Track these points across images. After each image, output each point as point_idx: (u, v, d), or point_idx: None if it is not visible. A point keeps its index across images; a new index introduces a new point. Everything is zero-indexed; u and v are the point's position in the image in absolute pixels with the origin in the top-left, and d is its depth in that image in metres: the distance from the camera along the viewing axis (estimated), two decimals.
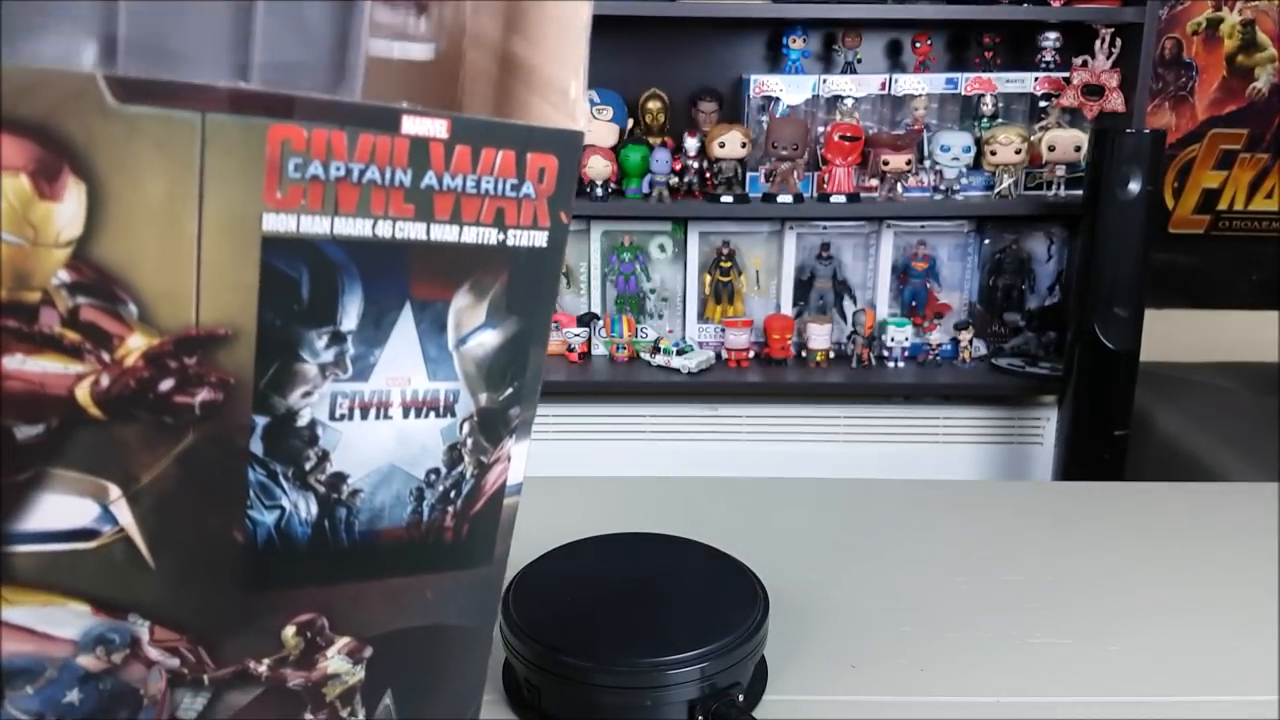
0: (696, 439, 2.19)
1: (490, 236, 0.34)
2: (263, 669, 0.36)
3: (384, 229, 0.32)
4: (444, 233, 0.33)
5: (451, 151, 0.32)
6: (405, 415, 0.36)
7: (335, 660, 0.38)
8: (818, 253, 2.20)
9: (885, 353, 2.16)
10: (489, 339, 0.36)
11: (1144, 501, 0.84)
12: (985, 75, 2.11)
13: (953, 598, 0.66)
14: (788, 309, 2.23)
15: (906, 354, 2.17)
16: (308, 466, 0.34)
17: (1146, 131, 1.87)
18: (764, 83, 2.11)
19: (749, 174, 2.10)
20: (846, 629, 0.62)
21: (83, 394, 0.30)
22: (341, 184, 0.31)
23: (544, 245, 0.35)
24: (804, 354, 2.17)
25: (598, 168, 2.04)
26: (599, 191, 2.06)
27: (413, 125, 0.32)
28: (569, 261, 2.22)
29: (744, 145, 2.04)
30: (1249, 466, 1.72)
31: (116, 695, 0.34)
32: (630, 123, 2.12)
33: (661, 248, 2.22)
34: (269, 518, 0.34)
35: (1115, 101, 2.04)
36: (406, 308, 0.34)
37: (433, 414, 0.36)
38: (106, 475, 0.31)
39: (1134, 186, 1.79)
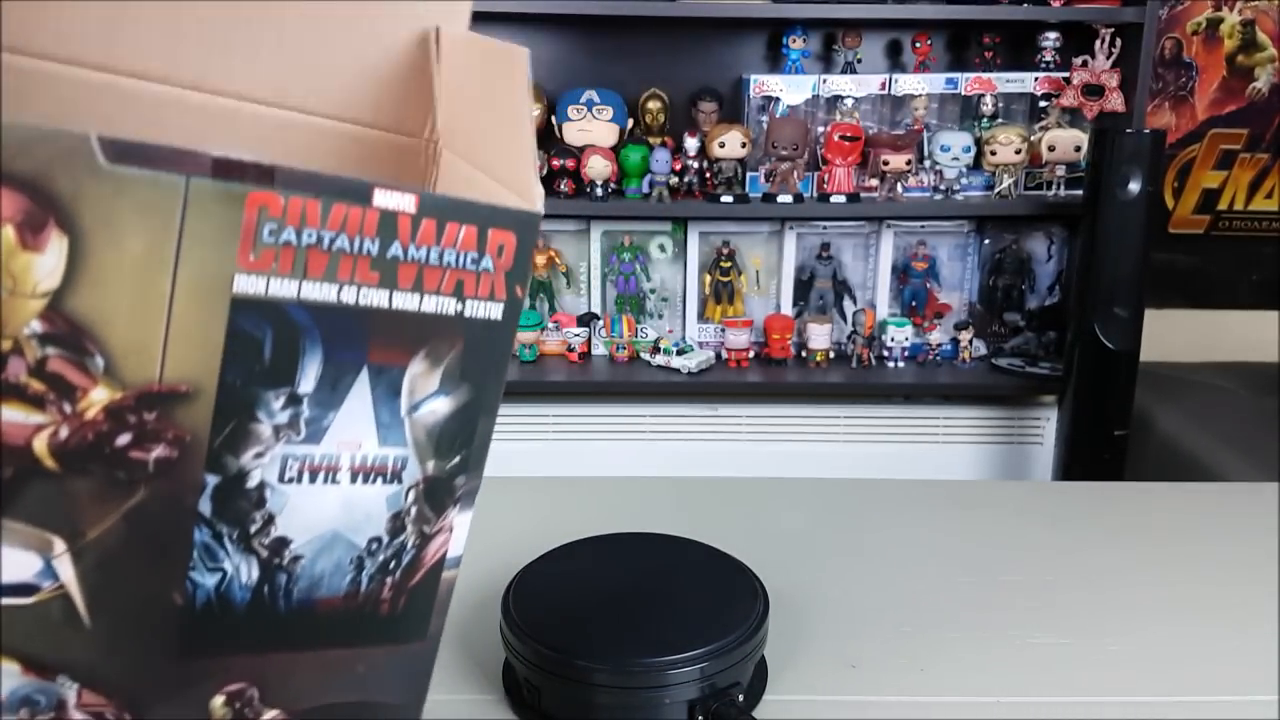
0: (696, 439, 2.19)
1: (449, 306, 0.35)
2: None
3: (349, 295, 0.33)
4: (405, 301, 0.34)
5: (418, 224, 0.33)
6: (353, 480, 0.36)
7: None
8: (818, 253, 2.20)
9: (885, 353, 2.16)
10: (441, 406, 0.36)
11: (1144, 501, 0.84)
12: (985, 75, 2.11)
13: (953, 598, 0.66)
14: (788, 309, 2.23)
15: (906, 354, 2.17)
16: (253, 529, 0.34)
17: (1146, 131, 1.87)
18: (764, 83, 2.11)
19: (749, 174, 2.10)
20: (846, 629, 0.62)
21: (40, 445, 0.30)
22: (312, 250, 0.32)
23: (499, 317, 0.36)
24: (804, 354, 2.17)
25: (598, 168, 2.04)
26: (599, 191, 2.06)
27: (383, 199, 0.33)
28: (569, 262, 2.22)
29: (744, 145, 2.04)
30: (1249, 466, 1.72)
31: None
32: (630, 122, 2.11)
33: (661, 248, 2.22)
34: (210, 580, 0.34)
35: (1115, 101, 2.04)
36: (364, 372, 0.35)
37: (380, 480, 0.36)
38: (53, 529, 0.31)
39: (1134, 186, 1.79)
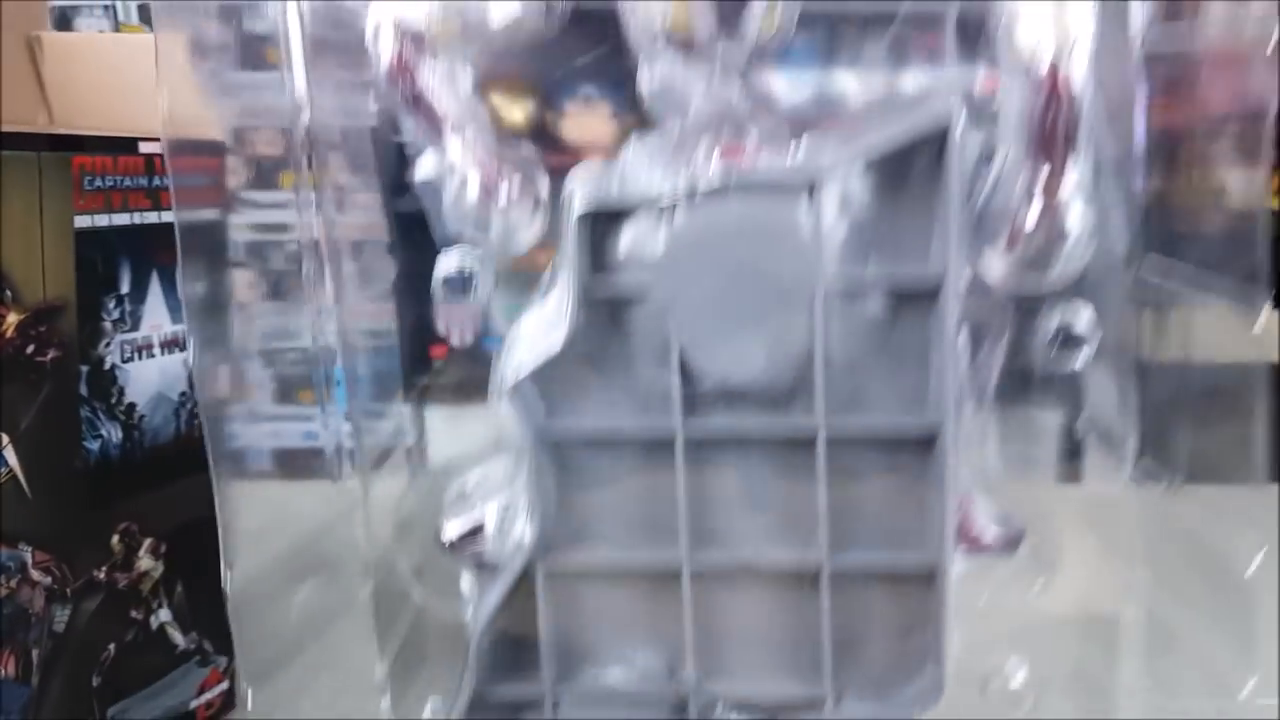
0: None
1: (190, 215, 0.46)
2: (101, 575, 0.46)
3: (137, 218, 0.48)
4: (168, 216, 0.45)
5: (163, 162, 0.42)
6: (162, 352, 0.50)
7: (145, 559, 0.48)
8: None
9: None
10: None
11: (1144, 501, 0.82)
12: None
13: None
14: None
15: None
16: (112, 401, 0.47)
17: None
18: None
19: None
20: None
21: None
22: (113, 190, 0.46)
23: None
24: None
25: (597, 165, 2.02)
26: None
27: (145, 147, 0.48)
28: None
29: None
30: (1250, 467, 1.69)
31: (15, 619, 0.42)
32: (630, 118, 2.10)
33: None
34: (95, 446, 0.46)
35: None
36: (154, 272, 0.49)
37: (178, 349, 0.50)
38: (4, 427, 0.41)
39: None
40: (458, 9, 0.28)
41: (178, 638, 0.50)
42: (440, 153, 0.28)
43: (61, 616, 0.44)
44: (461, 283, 0.32)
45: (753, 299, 0.27)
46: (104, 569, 0.46)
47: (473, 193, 0.29)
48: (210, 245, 0.41)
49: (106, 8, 2.16)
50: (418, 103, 0.28)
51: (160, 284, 0.49)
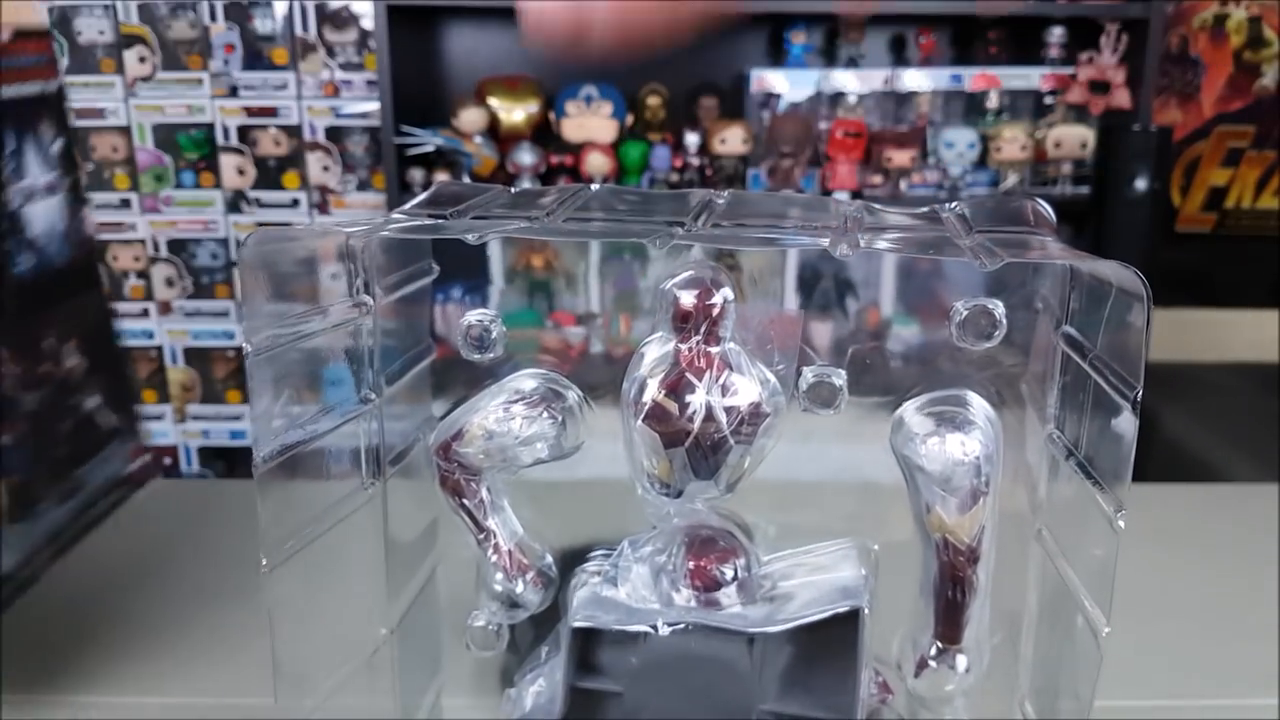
0: None
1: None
2: (42, 370, 0.58)
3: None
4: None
5: None
6: (45, 195, 0.59)
7: (72, 357, 0.61)
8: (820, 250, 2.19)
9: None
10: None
11: (1144, 501, 0.82)
12: (990, 71, 2.09)
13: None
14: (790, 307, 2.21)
15: None
16: (23, 235, 0.57)
17: (1153, 128, 1.86)
18: (765, 78, 2.09)
19: (750, 171, 2.09)
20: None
21: None
22: None
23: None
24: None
25: (597, 164, 2.02)
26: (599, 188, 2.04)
27: None
28: (568, 262, 2.20)
29: (745, 142, 2.03)
30: (1252, 467, 1.70)
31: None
32: (630, 118, 2.10)
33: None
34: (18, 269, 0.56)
35: (1121, 98, 2.02)
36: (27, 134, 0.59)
37: (53, 193, 0.60)
38: None
39: (1140, 184, 1.77)
40: (499, 449, 0.37)
41: (109, 420, 0.64)
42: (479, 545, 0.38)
43: (30, 402, 0.56)
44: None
45: (700, 716, 0.35)
46: (43, 365, 0.58)
47: (499, 577, 0.38)
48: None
49: (106, 8, 2.16)
50: (462, 510, 0.37)
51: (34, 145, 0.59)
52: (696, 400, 0.34)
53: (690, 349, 0.35)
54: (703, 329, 0.35)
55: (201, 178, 2.23)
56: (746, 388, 0.34)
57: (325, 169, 2.24)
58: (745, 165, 2.06)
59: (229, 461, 2.39)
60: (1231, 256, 2.30)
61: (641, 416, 0.35)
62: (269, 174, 2.24)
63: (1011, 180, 2.06)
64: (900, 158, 2.04)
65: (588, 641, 0.36)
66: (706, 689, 0.35)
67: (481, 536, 0.38)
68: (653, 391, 0.34)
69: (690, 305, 0.35)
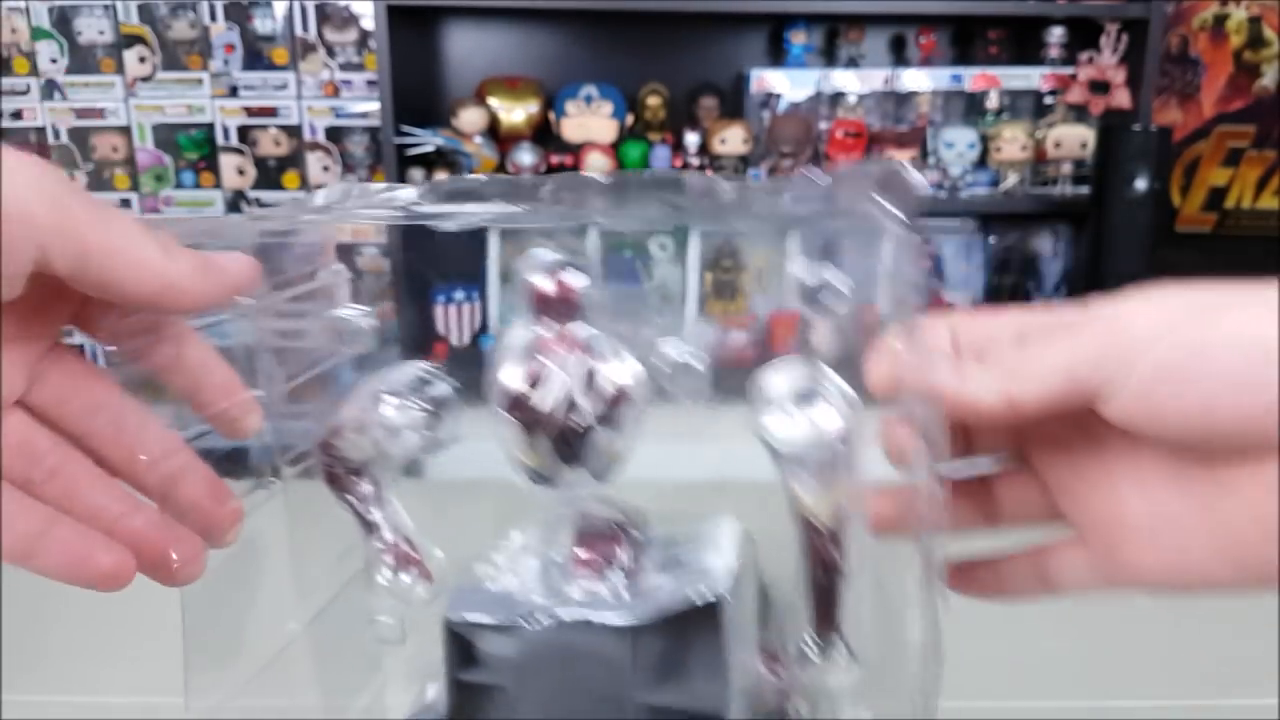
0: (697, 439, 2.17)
1: None
2: None
3: None
4: None
5: None
6: None
7: None
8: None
9: None
10: None
11: None
12: (990, 71, 2.09)
13: (953, 597, 0.64)
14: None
15: None
16: None
17: (1153, 128, 1.85)
18: (765, 78, 2.09)
19: (750, 171, 2.09)
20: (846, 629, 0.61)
21: None
22: None
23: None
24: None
25: (597, 164, 2.02)
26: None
27: None
28: None
29: (745, 142, 2.03)
30: None
31: None
32: (630, 118, 2.10)
33: (662, 246, 2.20)
34: None
35: (1121, 98, 2.02)
36: None
37: None
38: None
39: (1140, 184, 1.77)
40: (372, 442, 0.36)
41: None
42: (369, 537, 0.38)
43: None
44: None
45: (580, 708, 0.35)
46: None
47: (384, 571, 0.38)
48: None
49: (106, 8, 2.16)
50: (346, 503, 0.37)
51: None
52: (555, 386, 0.33)
53: (550, 334, 0.34)
54: (561, 314, 0.34)
55: (201, 178, 2.24)
56: (609, 372, 0.34)
57: (325, 169, 2.24)
58: (745, 165, 2.06)
59: None
60: (1231, 257, 2.30)
61: (501, 404, 0.33)
62: (269, 174, 2.24)
63: (1012, 180, 2.06)
64: (900, 158, 2.04)
65: (465, 636, 0.35)
66: (585, 682, 0.34)
67: (367, 530, 0.37)
68: (511, 378, 0.33)
69: (548, 290, 0.34)
